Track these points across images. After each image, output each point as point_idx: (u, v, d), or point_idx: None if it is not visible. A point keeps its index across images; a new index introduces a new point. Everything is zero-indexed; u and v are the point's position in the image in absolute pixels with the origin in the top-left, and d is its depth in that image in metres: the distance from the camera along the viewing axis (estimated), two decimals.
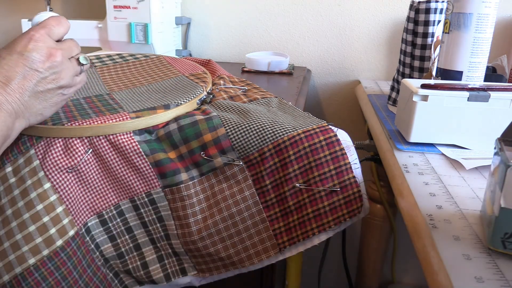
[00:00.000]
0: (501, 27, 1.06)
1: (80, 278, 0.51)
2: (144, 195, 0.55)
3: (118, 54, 0.84)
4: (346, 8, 1.13)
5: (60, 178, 0.51)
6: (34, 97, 0.47)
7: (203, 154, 0.55)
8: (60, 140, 0.53)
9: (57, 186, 0.51)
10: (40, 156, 0.52)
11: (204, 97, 0.65)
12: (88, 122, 0.53)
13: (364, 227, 1.01)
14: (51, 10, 1.13)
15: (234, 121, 0.57)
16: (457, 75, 0.64)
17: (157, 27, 1.00)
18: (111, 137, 0.53)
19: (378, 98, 0.92)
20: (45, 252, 0.48)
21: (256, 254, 0.56)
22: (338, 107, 1.20)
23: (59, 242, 0.49)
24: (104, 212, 0.55)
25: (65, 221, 0.51)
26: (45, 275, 0.48)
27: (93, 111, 0.57)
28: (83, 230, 0.53)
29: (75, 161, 0.52)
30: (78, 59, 0.52)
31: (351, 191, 0.55)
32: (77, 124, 0.53)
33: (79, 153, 0.53)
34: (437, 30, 0.75)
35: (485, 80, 0.65)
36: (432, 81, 0.59)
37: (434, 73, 0.73)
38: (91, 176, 0.54)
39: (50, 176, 0.51)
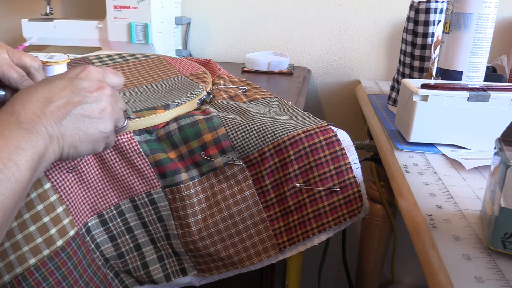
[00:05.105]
0: (501, 27, 1.06)
1: (80, 278, 0.51)
2: (144, 195, 0.55)
3: (118, 54, 0.84)
4: (346, 8, 1.13)
5: (60, 178, 0.51)
6: (72, 123, 0.42)
7: (203, 154, 0.55)
8: None
9: (57, 186, 0.51)
10: None
11: (204, 97, 0.65)
12: None
13: (364, 227, 1.01)
14: (51, 10, 1.13)
15: (234, 121, 0.57)
16: (457, 75, 0.64)
17: (157, 27, 1.01)
18: None
19: (378, 98, 0.92)
20: (46, 252, 0.48)
21: (256, 254, 0.56)
22: (338, 107, 1.20)
23: (60, 242, 0.49)
24: (104, 212, 0.55)
25: (66, 221, 0.51)
26: (46, 275, 0.48)
27: None
28: (84, 230, 0.53)
29: (75, 161, 0.52)
30: (125, 111, 0.50)
31: (351, 191, 0.55)
32: None
33: None
34: (437, 30, 0.75)
35: (485, 80, 0.65)
36: (432, 81, 0.59)
37: (434, 73, 0.73)
38: (91, 176, 0.54)
39: (50, 176, 0.51)
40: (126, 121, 0.50)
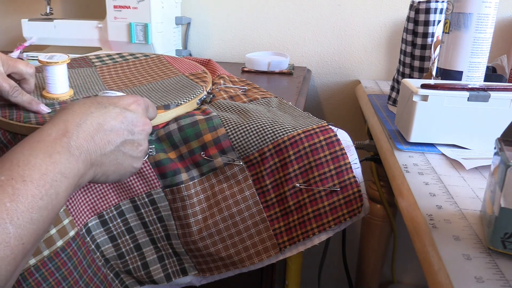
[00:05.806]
0: (501, 27, 1.06)
1: (80, 279, 0.51)
2: (144, 195, 0.55)
3: (118, 54, 0.84)
4: (346, 8, 1.13)
5: None
6: (113, 154, 0.44)
7: (203, 154, 0.55)
8: None
9: None
10: None
11: (204, 97, 0.65)
12: None
13: (364, 227, 1.01)
14: (51, 10, 1.13)
15: (234, 121, 0.57)
16: (457, 75, 0.64)
17: (157, 27, 1.01)
18: None
19: (378, 98, 0.92)
20: (46, 253, 0.48)
21: (256, 253, 0.56)
22: (338, 107, 1.20)
23: (60, 243, 0.49)
24: (104, 212, 0.55)
25: (66, 221, 0.51)
26: (46, 275, 0.48)
27: None
28: (84, 230, 0.53)
29: None
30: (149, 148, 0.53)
31: (351, 191, 0.55)
32: None
33: None
34: (437, 30, 0.75)
35: (485, 80, 0.65)
36: (432, 81, 0.59)
37: (434, 73, 0.73)
38: None
39: None
40: (146, 157, 0.53)
